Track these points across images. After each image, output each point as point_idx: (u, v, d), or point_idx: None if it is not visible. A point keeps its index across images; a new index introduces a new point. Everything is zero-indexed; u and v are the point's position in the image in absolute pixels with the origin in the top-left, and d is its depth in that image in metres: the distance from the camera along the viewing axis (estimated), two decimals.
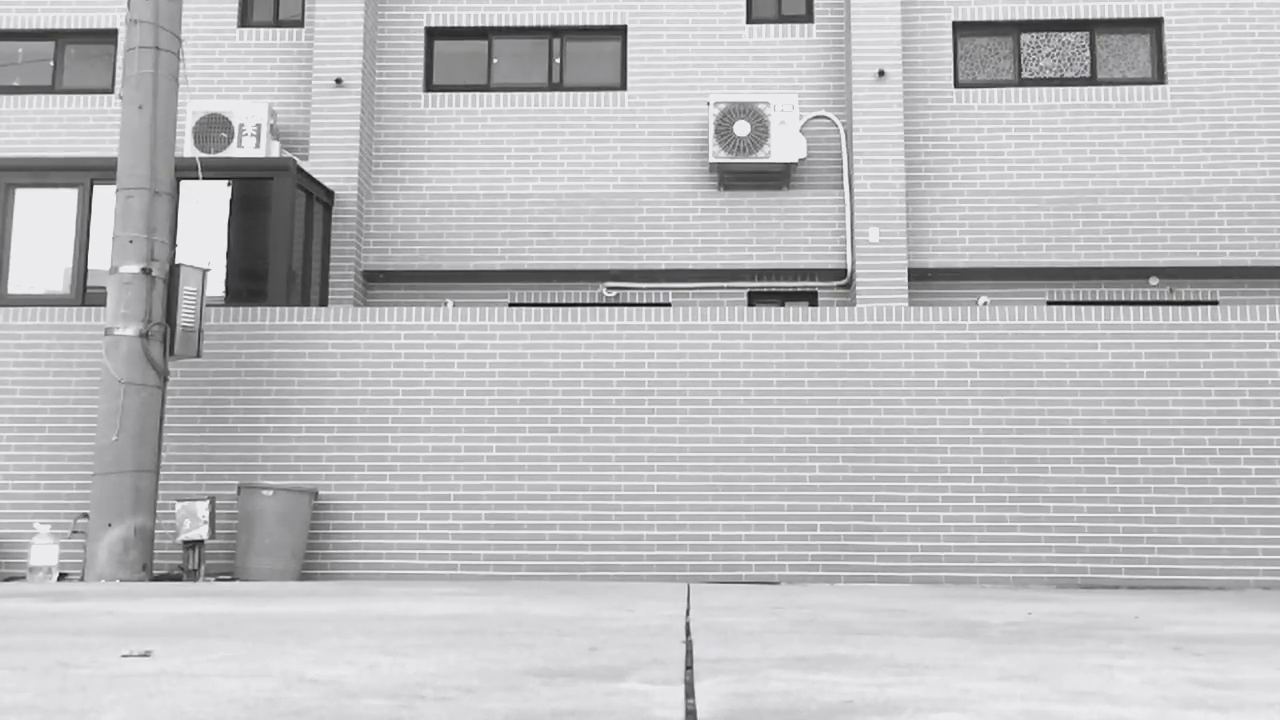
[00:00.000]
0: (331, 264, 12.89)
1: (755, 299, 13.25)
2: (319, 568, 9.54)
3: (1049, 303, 12.96)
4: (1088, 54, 13.62)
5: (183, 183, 10.91)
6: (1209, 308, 9.82)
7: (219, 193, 11.62)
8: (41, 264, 11.50)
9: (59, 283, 11.46)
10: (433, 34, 14.02)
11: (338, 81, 13.20)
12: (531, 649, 3.70)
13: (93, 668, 3.15)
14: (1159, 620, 5.23)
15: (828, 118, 13.34)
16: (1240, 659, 3.66)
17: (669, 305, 13.17)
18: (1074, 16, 13.55)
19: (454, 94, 13.79)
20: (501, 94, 13.72)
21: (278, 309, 10.12)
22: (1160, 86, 13.32)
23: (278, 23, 13.97)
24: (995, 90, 13.44)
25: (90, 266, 11.30)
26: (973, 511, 9.44)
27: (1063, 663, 3.48)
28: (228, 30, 13.82)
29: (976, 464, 9.51)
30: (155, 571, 9.03)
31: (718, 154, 12.68)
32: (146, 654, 3.48)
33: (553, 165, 13.49)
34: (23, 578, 9.20)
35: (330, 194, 12.91)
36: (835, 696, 2.73)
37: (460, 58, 14.04)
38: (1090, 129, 13.27)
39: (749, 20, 13.77)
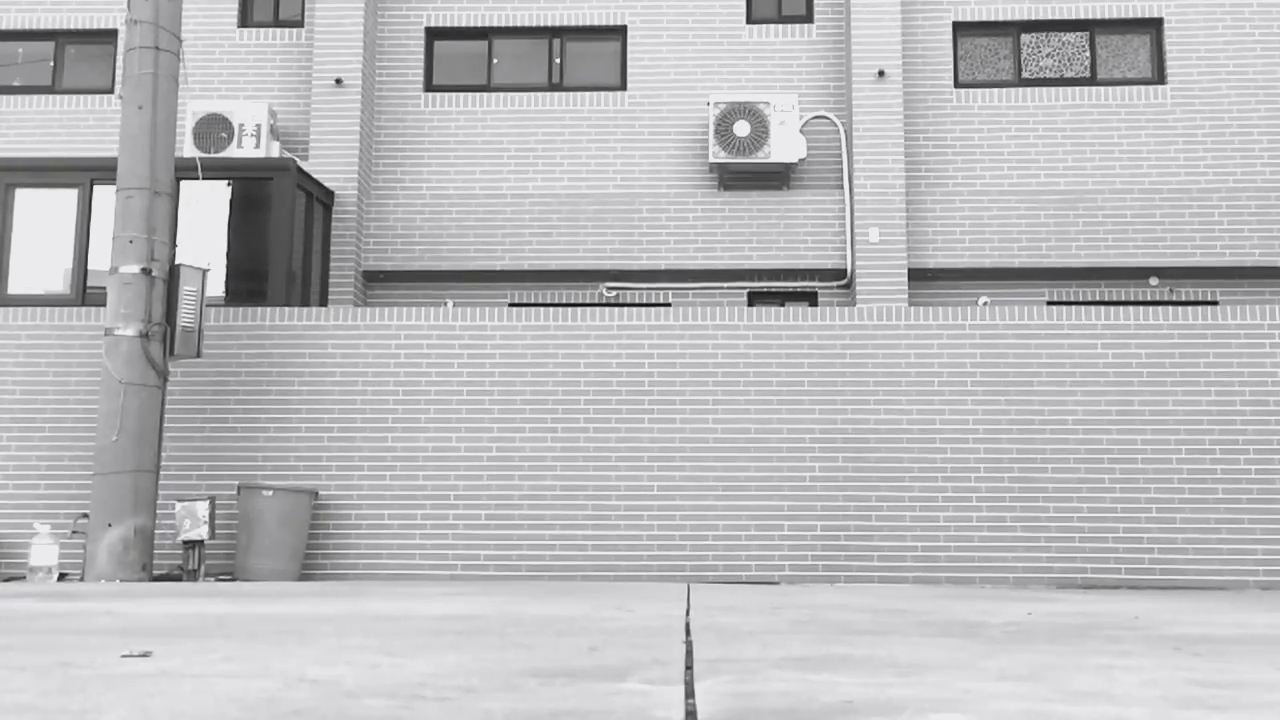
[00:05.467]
0: (331, 264, 12.88)
1: (755, 299, 13.25)
2: (319, 568, 9.54)
3: (1049, 303, 12.96)
4: (1088, 54, 13.63)
5: (183, 183, 10.91)
6: (1209, 308, 9.82)
7: (219, 193, 11.62)
8: (41, 264, 11.49)
9: (59, 283, 11.46)
10: (433, 34, 14.02)
11: (338, 81, 13.21)
12: (531, 649, 3.70)
13: (93, 668, 3.15)
14: (1159, 620, 5.23)
15: (828, 118, 13.34)
16: (1240, 659, 3.66)
17: (669, 305, 13.17)
18: (1074, 16, 13.55)
19: (454, 94, 13.79)
20: (501, 94, 13.73)
21: (278, 309, 10.12)
22: (1160, 86, 13.32)
23: (278, 23, 13.97)
24: (995, 90, 13.44)
25: (90, 266, 11.29)
26: (973, 511, 9.44)
27: (1063, 663, 3.48)
28: (228, 30, 13.82)
29: (976, 464, 9.51)
30: (155, 571, 9.03)
31: (718, 154, 12.68)
32: (146, 654, 3.48)
33: (553, 165, 13.50)
34: (23, 578, 9.20)
35: (330, 194, 12.91)
36: (835, 696, 2.73)
37: (460, 58, 14.05)
38: (1090, 129, 13.28)
39: (749, 20, 13.78)
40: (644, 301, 13.26)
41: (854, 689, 2.86)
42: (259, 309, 10.13)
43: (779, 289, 13.23)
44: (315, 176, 12.69)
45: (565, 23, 13.83)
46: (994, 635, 4.40)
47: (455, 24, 13.92)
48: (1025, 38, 13.70)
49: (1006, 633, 4.51)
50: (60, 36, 14.07)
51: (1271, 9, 13.41)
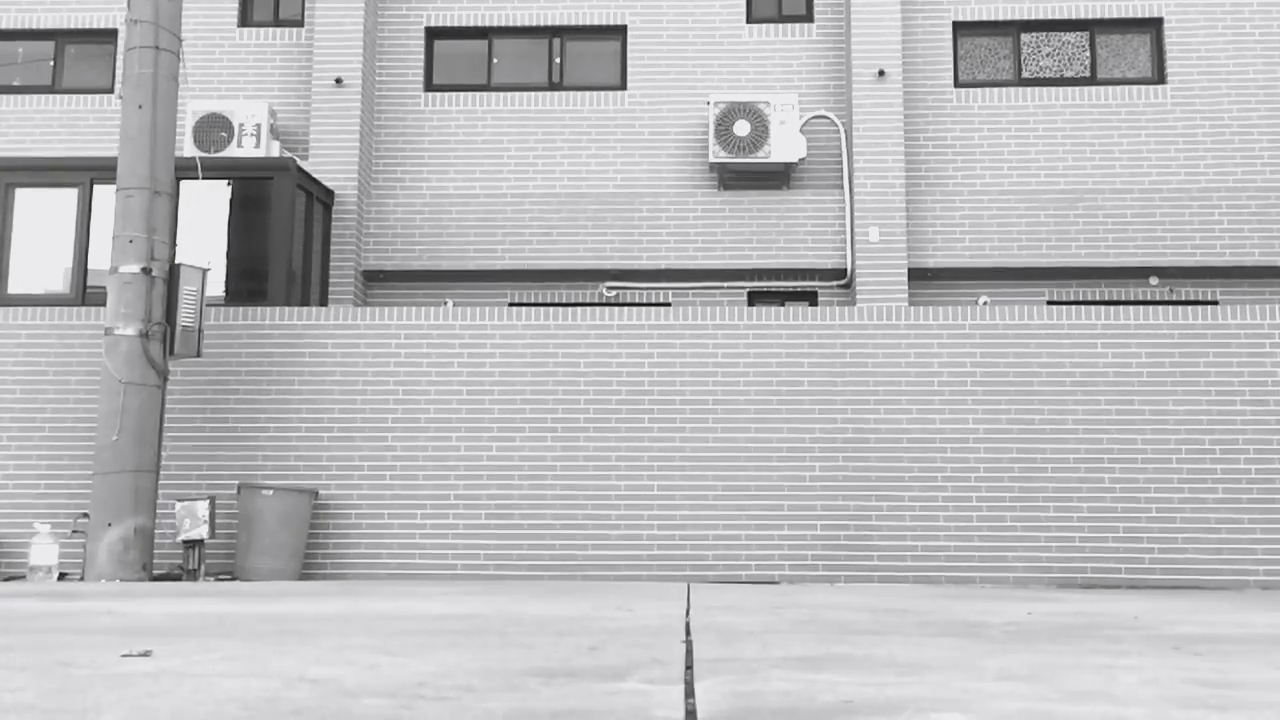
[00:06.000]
0: (331, 264, 12.88)
1: (755, 299, 13.25)
2: (319, 568, 9.54)
3: (1049, 302, 12.96)
4: (1088, 54, 13.63)
5: (183, 182, 10.91)
6: (1209, 308, 9.82)
7: (219, 192, 11.62)
8: (41, 264, 11.49)
9: (59, 282, 11.46)
10: (433, 34, 14.02)
11: (338, 81, 13.20)
12: (531, 648, 3.70)
13: (93, 667, 3.15)
14: (1159, 620, 5.23)
15: (828, 117, 13.34)
16: (1240, 659, 3.66)
17: (669, 305, 13.17)
18: (1074, 16, 13.55)
19: (454, 94, 13.79)
20: (501, 94, 13.72)
21: (278, 309, 10.12)
22: (1160, 86, 13.32)
23: (278, 22, 13.97)
24: (995, 90, 13.44)
25: (90, 266, 11.29)
26: (973, 511, 9.44)
27: (1063, 662, 3.48)
28: (228, 30, 13.82)
29: (976, 464, 9.51)
30: (155, 571, 9.03)
31: (718, 154, 12.68)
32: (146, 654, 3.48)
33: (553, 165, 13.50)
34: (23, 577, 9.20)
35: (330, 194, 12.91)
36: (835, 696, 2.73)
37: (460, 57, 14.04)
38: (1090, 129, 13.28)
39: (749, 20, 13.77)
40: (644, 301, 13.26)
41: (854, 689, 2.86)
42: (259, 308, 10.13)
43: (779, 289, 13.23)
44: (315, 176, 12.69)
45: (565, 22, 13.83)
46: (994, 635, 4.40)
47: (455, 24, 13.92)
48: (1025, 37, 13.70)
49: (1006, 632, 4.51)
50: (60, 36, 14.07)
51: (1271, 9, 13.41)
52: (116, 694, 2.68)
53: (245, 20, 13.96)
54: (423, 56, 13.89)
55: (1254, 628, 4.93)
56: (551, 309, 10.04)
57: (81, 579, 8.85)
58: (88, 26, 13.96)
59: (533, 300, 13.29)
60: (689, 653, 3.62)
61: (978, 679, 3.07)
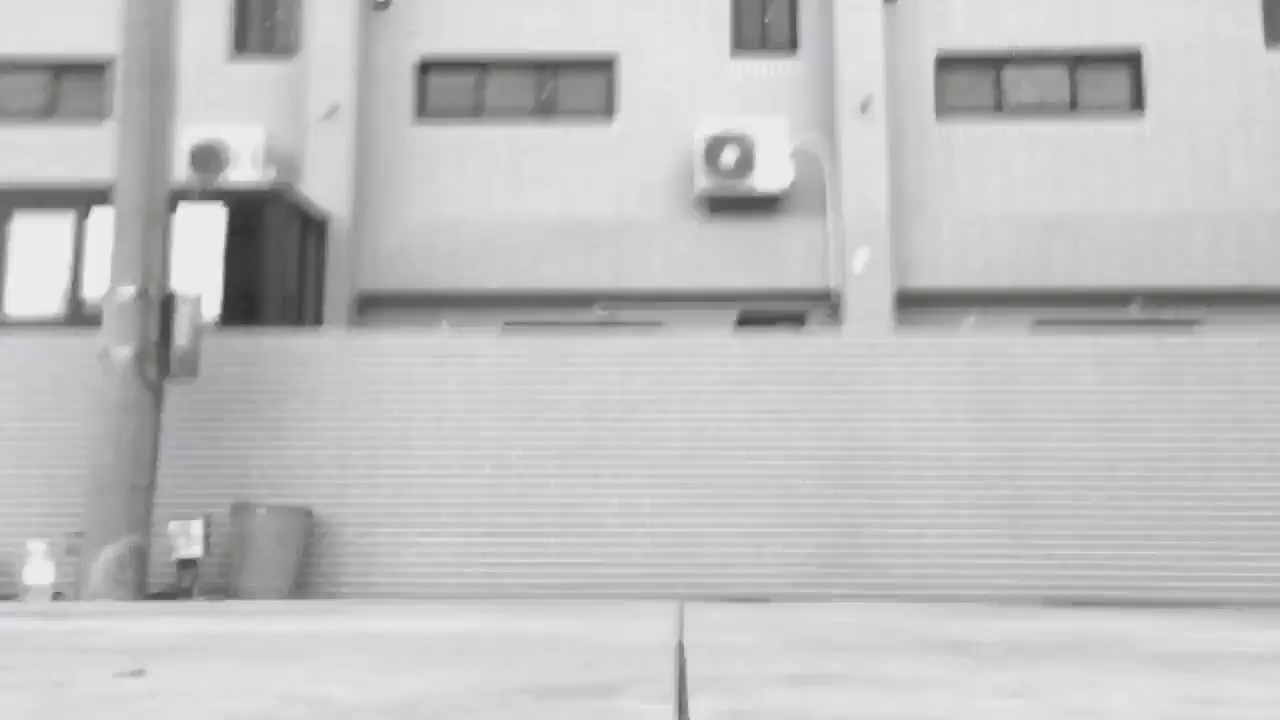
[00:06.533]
0: (325, 287, 12.91)
1: (745, 322, 13.30)
2: (313, 586, 9.53)
3: (1035, 323, 13.03)
4: (1068, 85, 13.76)
5: (178, 207, 10.94)
6: (1191, 331, 9.90)
7: (214, 217, 11.65)
8: (39, 286, 11.51)
9: (56, 305, 11.47)
10: (425, 64, 14.10)
11: (332, 109, 13.27)
12: (524, 666, 3.71)
13: (86, 686, 3.16)
14: (1146, 636, 5.25)
15: (814, 146, 13.42)
16: (1228, 675, 3.68)
17: (660, 325, 13.21)
18: (1055, 48, 13.68)
19: (446, 121, 13.86)
20: (493, 122, 13.79)
21: (272, 330, 10.15)
22: (1139, 116, 13.44)
23: (272, 51, 14.05)
24: (978, 119, 13.55)
25: (86, 289, 11.32)
26: (961, 530, 9.46)
27: (1054, 679, 3.50)
28: (222, 58, 13.89)
29: (964, 484, 9.54)
30: (150, 590, 9.02)
31: (705, 181, 12.76)
32: (140, 672, 3.49)
33: (544, 192, 13.56)
34: (17, 596, 9.17)
35: (324, 218, 12.95)
36: (828, 713, 2.75)
37: (452, 87, 14.13)
38: (1071, 158, 13.38)
39: (735, 51, 13.90)
40: (635, 322, 13.31)
41: (846, 706, 2.88)
42: (253, 330, 10.16)
43: (768, 312, 13.29)
44: (310, 201, 12.73)
45: (555, 51, 13.93)
46: (984, 652, 4.42)
47: (447, 54, 14.01)
48: (1007, 70, 13.82)
49: (997, 650, 4.53)
50: (57, 66, 14.12)
51: (1246, 41, 13.55)
52: (109, 714, 2.70)
53: (240, 49, 14.04)
54: (415, 86, 13.97)
55: (1239, 644, 4.96)
56: (544, 331, 10.07)
57: (76, 598, 8.82)
58: (83, 54, 14.02)
59: (526, 321, 13.33)
60: (682, 670, 3.64)
61: (969, 696, 3.09)
